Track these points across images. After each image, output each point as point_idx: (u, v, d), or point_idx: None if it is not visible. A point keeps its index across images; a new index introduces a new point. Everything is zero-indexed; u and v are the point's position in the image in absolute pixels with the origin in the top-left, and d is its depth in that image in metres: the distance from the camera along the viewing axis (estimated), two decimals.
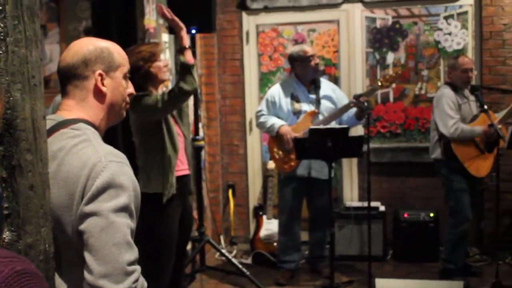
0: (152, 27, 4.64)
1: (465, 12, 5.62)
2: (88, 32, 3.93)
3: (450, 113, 4.66)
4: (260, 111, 4.97)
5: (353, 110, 4.73)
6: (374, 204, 5.26)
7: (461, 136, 4.62)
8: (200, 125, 4.96)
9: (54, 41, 3.92)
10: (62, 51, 3.65)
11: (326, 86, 4.99)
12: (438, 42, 5.69)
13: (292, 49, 5.09)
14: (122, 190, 1.57)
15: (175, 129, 3.56)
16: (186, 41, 3.48)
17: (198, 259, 4.94)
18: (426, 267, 5.19)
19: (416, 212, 5.40)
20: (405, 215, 5.39)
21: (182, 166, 3.62)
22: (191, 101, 5.24)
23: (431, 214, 5.35)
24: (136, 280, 1.56)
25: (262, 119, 4.92)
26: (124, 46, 1.91)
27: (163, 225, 3.42)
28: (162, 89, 3.72)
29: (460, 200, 4.75)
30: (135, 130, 3.53)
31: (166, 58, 4.94)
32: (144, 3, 4.44)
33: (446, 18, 5.66)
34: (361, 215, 5.33)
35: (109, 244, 1.53)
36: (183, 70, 3.37)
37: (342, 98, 4.96)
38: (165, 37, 4.96)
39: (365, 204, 4.75)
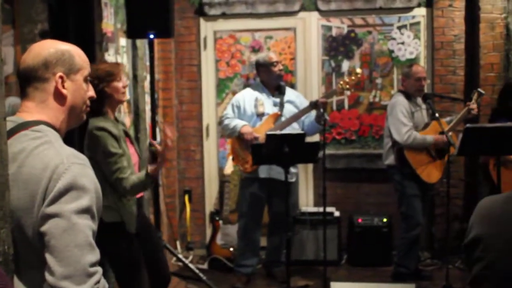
0: (109, 31, 4.62)
1: (418, 23, 5.78)
2: (44, 35, 3.87)
3: (403, 120, 4.78)
4: (225, 114, 5.06)
5: (314, 114, 4.82)
6: (329, 209, 5.32)
7: (413, 143, 4.75)
8: (157, 130, 4.94)
9: (9, 44, 3.85)
10: (17, 54, 3.60)
11: (290, 92, 5.10)
12: (391, 51, 5.83)
13: (258, 55, 5.23)
14: (84, 192, 1.58)
15: (131, 150, 3.44)
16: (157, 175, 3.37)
17: None
18: (379, 271, 5.29)
19: (370, 217, 5.51)
20: (359, 220, 5.49)
21: None
22: (147, 105, 5.24)
23: (385, 219, 5.46)
24: (98, 282, 1.57)
25: (226, 122, 4.99)
26: (81, 49, 1.91)
27: (122, 252, 3.28)
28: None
29: (412, 206, 4.87)
30: (87, 151, 3.32)
31: (123, 62, 4.92)
32: (102, 7, 4.42)
33: (399, 28, 5.81)
34: (317, 220, 5.41)
35: (71, 246, 1.53)
36: (144, 182, 3.23)
37: (306, 104, 5.05)
38: (123, 41, 4.94)
39: (321, 209, 4.82)
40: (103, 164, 3.23)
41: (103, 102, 3.28)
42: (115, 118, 3.42)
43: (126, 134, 3.47)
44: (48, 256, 1.54)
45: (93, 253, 1.57)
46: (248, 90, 5.09)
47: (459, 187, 5.69)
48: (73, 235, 1.54)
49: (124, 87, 3.39)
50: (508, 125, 4.46)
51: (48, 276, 1.53)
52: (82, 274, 1.53)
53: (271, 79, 4.97)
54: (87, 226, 1.57)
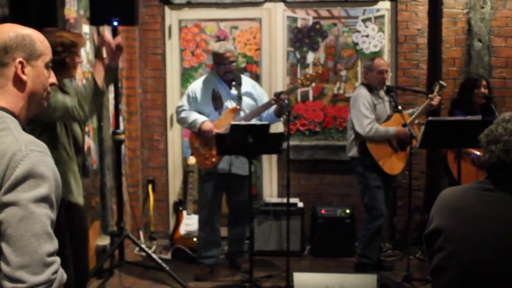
0: (72, 17, 4.54)
1: (382, 16, 5.83)
2: (5, 20, 3.79)
3: (365, 113, 4.81)
4: (181, 106, 4.95)
5: (273, 107, 4.81)
6: (292, 200, 5.35)
7: (375, 136, 4.79)
8: (120, 119, 4.88)
9: None
10: None
11: (246, 83, 5.03)
12: (356, 44, 5.87)
13: (214, 44, 5.10)
14: (42, 180, 1.55)
15: (82, 128, 3.32)
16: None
17: (117, 254, 4.87)
18: (342, 261, 5.33)
19: (333, 208, 5.55)
20: (323, 211, 5.52)
21: None
22: (111, 94, 5.17)
23: (347, 211, 5.51)
24: (56, 272, 1.54)
25: (183, 115, 4.90)
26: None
27: None
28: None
29: (375, 197, 4.92)
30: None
31: (86, 50, 4.84)
32: None
33: (364, 21, 5.85)
34: (280, 211, 5.43)
35: (28, 235, 1.50)
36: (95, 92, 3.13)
37: (262, 95, 5.03)
38: (86, 28, 4.85)
39: (284, 200, 4.83)
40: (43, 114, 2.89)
41: (58, 71, 3.13)
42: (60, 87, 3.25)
43: None
44: (4, 246, 1.50)
45: (50, 242, 1.54)
46: (205, 80, 4.97)
47: (421, 179, 5.78)
48: (30, 224, 1.50)
49: (79, 62, 3.26)
50: (468, 118, 4.55)
51: (3, 266, 1.50)
52: (38, 264, 1.50)
53: (219, 74, 4.91)
54: (44, 215, 1.53)
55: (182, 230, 5.51)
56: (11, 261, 1.49)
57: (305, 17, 5.88)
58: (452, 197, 2.17)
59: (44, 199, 1.54)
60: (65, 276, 1.59)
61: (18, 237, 1.49)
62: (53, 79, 1.83)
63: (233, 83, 4.92)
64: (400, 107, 4.70)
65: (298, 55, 5.90)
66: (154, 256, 4.75)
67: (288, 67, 5.91)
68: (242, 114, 4.86)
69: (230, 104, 4.89)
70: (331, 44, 5.89)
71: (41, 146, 1.62)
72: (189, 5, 5.89)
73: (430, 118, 4.56)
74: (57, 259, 1.55)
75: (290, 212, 4.94)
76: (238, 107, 4.87)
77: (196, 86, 4.97)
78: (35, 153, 1.57)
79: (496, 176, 2.05)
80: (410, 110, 5.08)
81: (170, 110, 5.99)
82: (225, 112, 4.85)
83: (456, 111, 5.01)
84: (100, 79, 3.21)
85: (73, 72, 3.25)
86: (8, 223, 1.50)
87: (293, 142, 5.71)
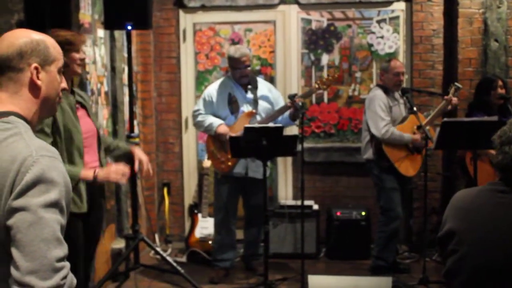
0: (87, 22, 4.57)
1: (397, 17, 5.80)
2: (21, 26, 3.83)
3: (381, 114, 4.79)
4: (197, 110, 4.96)
5: (288, 111, 4.80)
6: (307, 202, 5.34)
7: (390, 138, 4.77)
8: (135, 122, 4.91)
9: None
10: None
11: (262, 86, 5.02)
12: (371, 45, 5.84)
13: (229, 48, 5.08)
14: (52, 185, 1.55)
15: (83, 121, 3.29)
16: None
17: (132, 258, 4.89)
18: (357, 264, 5.31)
19: (348, 210, 5.52)
20: (338, 214, 5.50)
21: (88, 165, 3.30)
22: (126, 97, 5.20)
23: (363, 213, 5.48)
24: (65, 277, 1.54)
25: (199, 118, 4.90)
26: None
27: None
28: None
29: (392, 199, 4.89)
30: None
31: (100, 54, 4.87)
32: None
33: (378, 22, 5.82)
34: (295, 213, 5.41)
35: (37, 240, 1.50)
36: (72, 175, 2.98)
37: (278, 97, 5.03)
38: (101, 32, 4.88)
39: (299, 202, 4.82)
40: None
41: None
42: (70, 88, 3.29)
43: (82, 105, 3.36)
44: (14, 251, 1.51)
45: (60, 247, 1.54)
46: (221, 84, 4.97)
47: (437, 181, 5.73)
48: (40, 229, 1.51)
49: (81, 59, 3.28)
50: (484, 119, 4.51)
51: (13, 271, 1.50)
52: (48, 269, 1.50)
53: (235, 77, 4.90)
54: (54, 220, 1.54)
55: (198, 233, 5.52)
56: (20, 266, 1.49)
57: (319, 19, 5.87)
58: (465, 199, 2.15)
59: (54, 204, 1.55)
60: (74, 281, 1.59)
61: (28, 243, 1.50)
62: (64, 84, 1.84)
63: (249, 86, 4.92)
64: (415, 108, 4.67)
65: (312, 57, 5.89)
66: (169, 259, 4.76)
67: (302, 69, 5.90)
68: (258, 118, 4.86)
69: (246, 108, 4.88)
70: (345, 46, 5.87)
71: (52, 151, 1.62)
72: (204, 8, 5.91)
73: (445, 119, 4.53)
74: (66, 264, 1.56)
75: (306, 215, 4.93)
76: (254, 111, 4.86)
77: (212, 89, 4.96)
78: (45, 158, 1.57)
79: (509, 177, 2.03)
80: (425, 113, 5.05)
81: (185, 113, 6.00)
82: (241, 116, 4.85)
83: (474, 113, 4.96)
84: (88, 176, 3.20)
85: (74, 69, 3.26)
86: (18, 228, 1.51)
87: (308, 144, 5.70)
